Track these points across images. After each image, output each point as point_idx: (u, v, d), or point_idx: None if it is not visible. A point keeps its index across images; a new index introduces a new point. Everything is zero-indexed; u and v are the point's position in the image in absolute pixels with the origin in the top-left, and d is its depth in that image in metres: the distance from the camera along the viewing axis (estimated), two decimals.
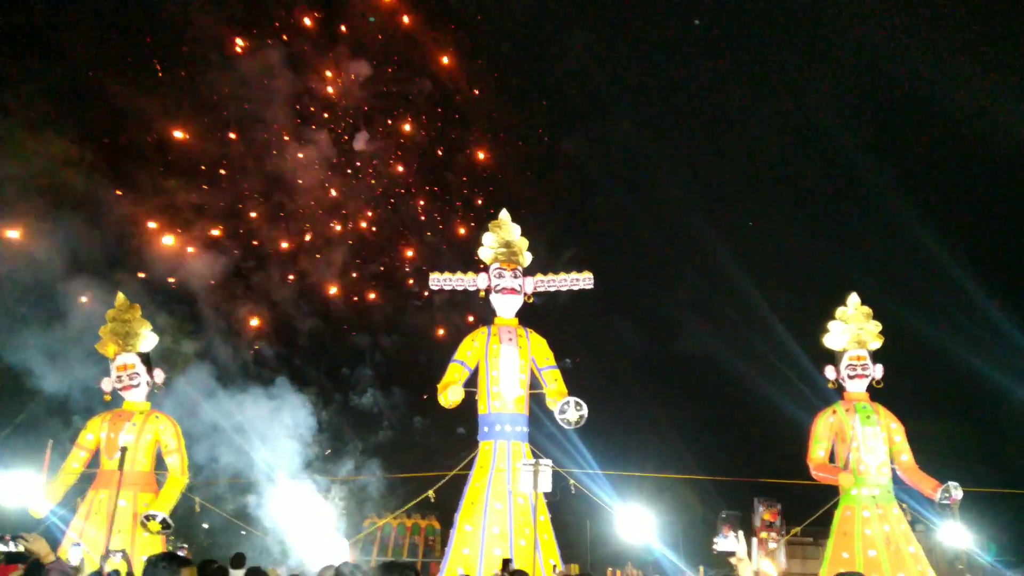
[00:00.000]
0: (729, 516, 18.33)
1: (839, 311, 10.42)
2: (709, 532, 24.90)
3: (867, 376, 10.10)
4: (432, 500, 10.15)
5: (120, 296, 10.27)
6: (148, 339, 10.07)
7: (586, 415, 9.32)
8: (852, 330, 10.27)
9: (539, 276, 10.37)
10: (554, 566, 9.09)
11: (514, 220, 10.59)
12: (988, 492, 12.98)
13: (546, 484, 8.68)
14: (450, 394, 9.42)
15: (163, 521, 8.97)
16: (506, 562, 8.19)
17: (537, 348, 10.13)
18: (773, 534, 20.07)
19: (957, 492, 9.24)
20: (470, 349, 9.97)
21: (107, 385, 9.93)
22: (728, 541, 17.66)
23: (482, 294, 10.27)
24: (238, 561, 8.81)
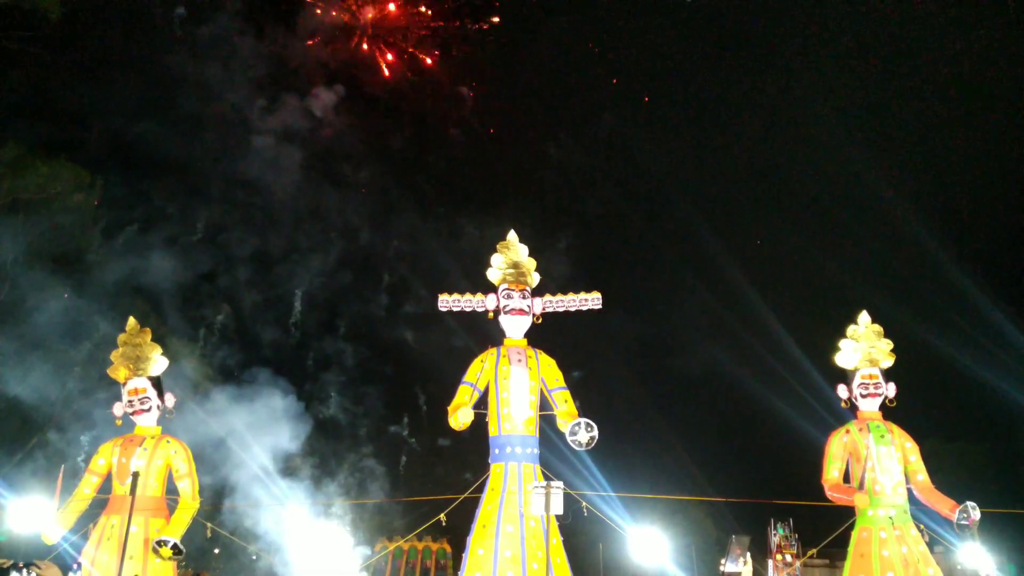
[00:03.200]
0: (739, 539, 18.12)
1: (850, 329, 10.35)
2: (723, 554, 24.64)
3: (880, 395, 10.00)
4: (444, 523, 10.11)
5: (131, 320, 10.32)
6: (159, 363, 10.11)
7: (597, 436, 9.26)
8: (863, 348, 10.19)
9: (547, 296, 10.37)
10: None
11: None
12: (1007, 513, 12.80)
13: (558, 506, 8.61)
14: (460, 416, 9.39)
15: (175, 547, 8.96)
16: None
17: (547, 369, 10.09)
18: (788, 556, 19.82)
19: (975, 512, 9.09)
20: (479, 370, 9.94)
21: (118, 410, 9.96)
22: (736, 564, 17.48)
23: (490, 315, 10.26)
24: None
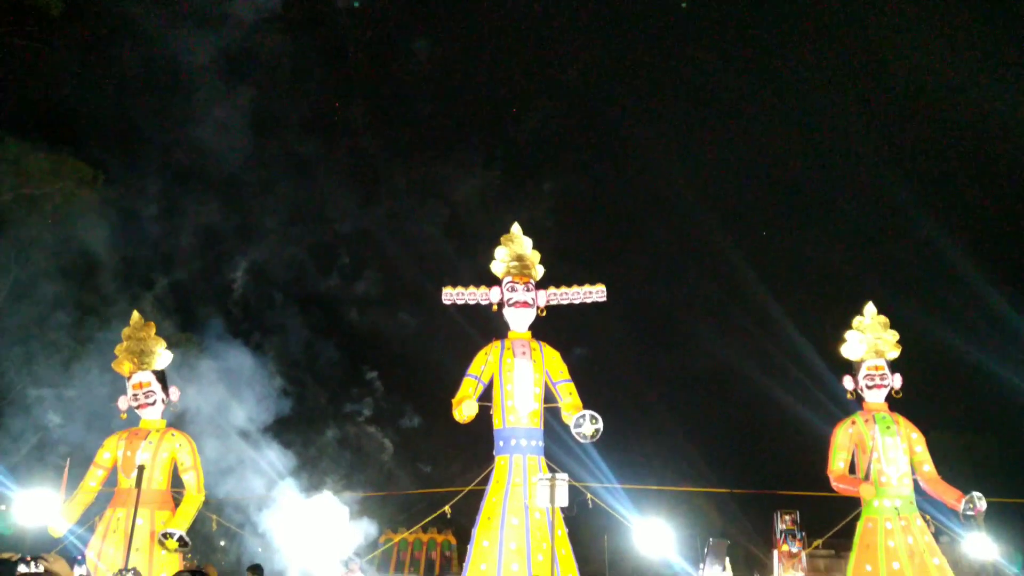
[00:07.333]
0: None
1: (855, 320, 10.31)
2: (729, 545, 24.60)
3: (885, 386, 9.97)
4: (448, 516, 10.12)
5: (135, 314, 10.34)
6: (163, 357, 10.13)
7: (602, 428, 9.25)
8: (869, 340, 10.16)
9: (551, 289, 10.34)
10: None
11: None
12: (1013, 503, 12.76)
13: (563, 498, 8.60)
14: (464, 408, 9.40)
15: (180, 539, 9.00)
16: None
17: (551, 361, 10.09)
18: (795, 547, 19.79)
19: (981, 503, 9.07)
20: (484, 363, 9.94)
21: (123, 403, 9.99)
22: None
23: (495, 308, 10.25)
24: (257, 572, 8.82)
